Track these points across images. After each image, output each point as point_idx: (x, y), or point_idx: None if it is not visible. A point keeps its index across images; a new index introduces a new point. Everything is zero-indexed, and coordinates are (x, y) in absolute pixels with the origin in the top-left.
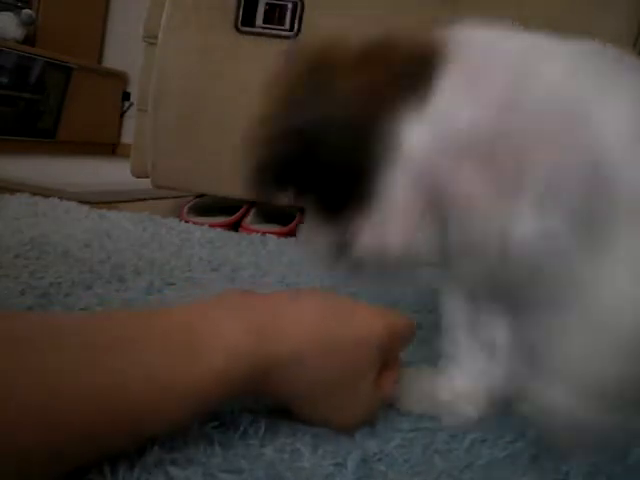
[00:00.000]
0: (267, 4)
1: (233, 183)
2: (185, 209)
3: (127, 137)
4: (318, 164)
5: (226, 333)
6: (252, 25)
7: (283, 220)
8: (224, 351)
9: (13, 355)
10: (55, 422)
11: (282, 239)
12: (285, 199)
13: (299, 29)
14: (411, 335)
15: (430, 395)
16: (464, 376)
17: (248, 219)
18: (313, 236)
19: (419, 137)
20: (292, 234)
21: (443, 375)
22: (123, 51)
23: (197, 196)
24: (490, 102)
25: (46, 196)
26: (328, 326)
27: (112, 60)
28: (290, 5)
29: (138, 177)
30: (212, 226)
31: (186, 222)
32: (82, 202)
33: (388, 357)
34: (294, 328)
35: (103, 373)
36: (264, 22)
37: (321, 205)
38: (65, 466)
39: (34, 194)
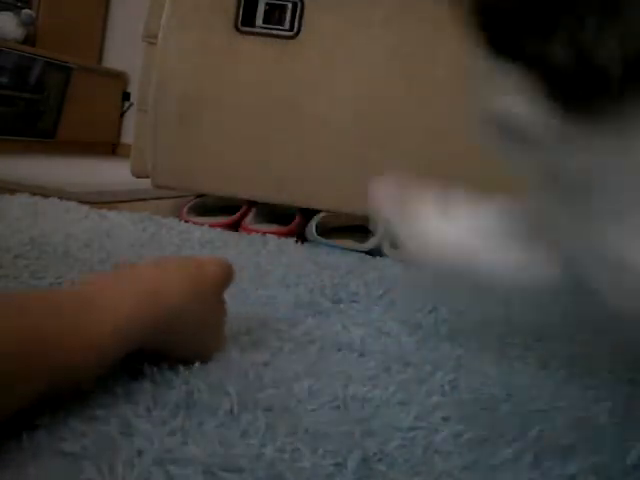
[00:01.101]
0: (267, 4)
1: (233, 183)
2: (185, 209)
3: (127, 137)
4: None
5: (118, 300)
6: (252, 25)
7: (283, 220)
8: (116, 313)
9: None
10: None
11: (282, 239)
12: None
13: (299, 29)
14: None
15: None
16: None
17: (248, 219)
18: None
19: None
20: (292, 234)
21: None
22: (123, 51)
23: (197, 196)
24: None
25: (46, 196)
26: (192, 282)
27: (112, 60)
28: (290, 5)
29: (138, 177)
30: (212, 226)
31: (186, 222)
32: (82, 202)
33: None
34: (171, 289)
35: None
36: (264, 22)
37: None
38: None
39: (34, 194)
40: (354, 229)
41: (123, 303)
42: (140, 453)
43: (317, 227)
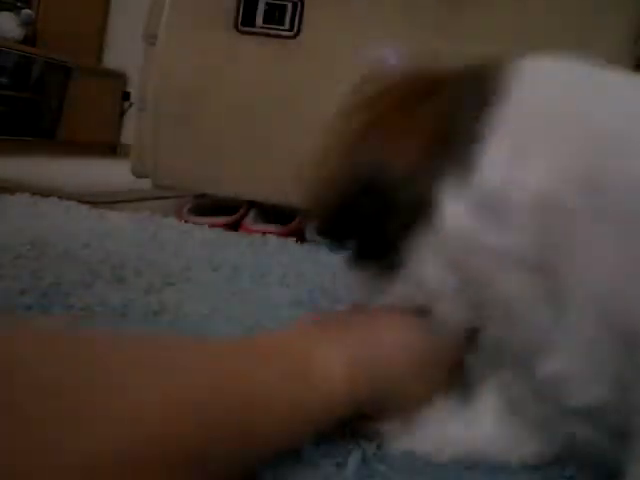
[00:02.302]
0: (267, 4)
1: (233, 183)
2: (185, 209)
3: (127, 137)
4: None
5: (329, 364)
6: (252, 25)
7: (283, 220)
8: (332, 382)
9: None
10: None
11: (282, 239)
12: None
13: (299, 29)
14: None
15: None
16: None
17: (248, 219)
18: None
19: (457, 210)
20: (292, 234)
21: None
22: (123, 51)
23: (197, 196)
24: (569, 175)
25: (46, 196)
26: (422, 351)
27: (112, 60)
28: (290, 5)
29: (138, 177)
30: (212, 226)
31: (186, 222)
32: (82, 202)
33: None
34: (392, 354)
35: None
36: (264, 22)
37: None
38: None
39: (34, 194)
40: None
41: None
42: None
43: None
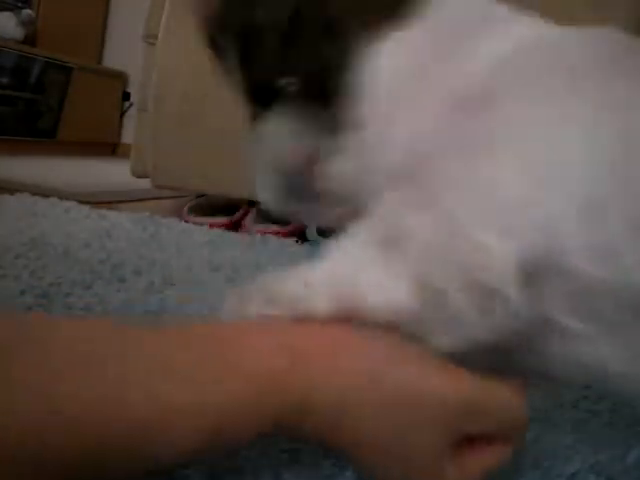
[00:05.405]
0: None
1: (233, 183)
2: (185, 209)
3: (127, 137)
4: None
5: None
6: None
7: (283, 220)
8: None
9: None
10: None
11: (282, 239)
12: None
13: None
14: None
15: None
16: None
17: (248, 219)
18: (273, 159)
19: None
20: (292, 234)
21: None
22: (123, 51)
23: (197, 196)
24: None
25: (46, 196)
26: (389, 372)
27: (112, 60)
28: None
29: (138, 177)
30: (212, 226)
31: (186, 222)
32: (82, 202)
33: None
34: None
35: (103, 385)
36: None
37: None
38: None
39: (34, 194)
40: None
41: None
42: None
43: (317, 227)
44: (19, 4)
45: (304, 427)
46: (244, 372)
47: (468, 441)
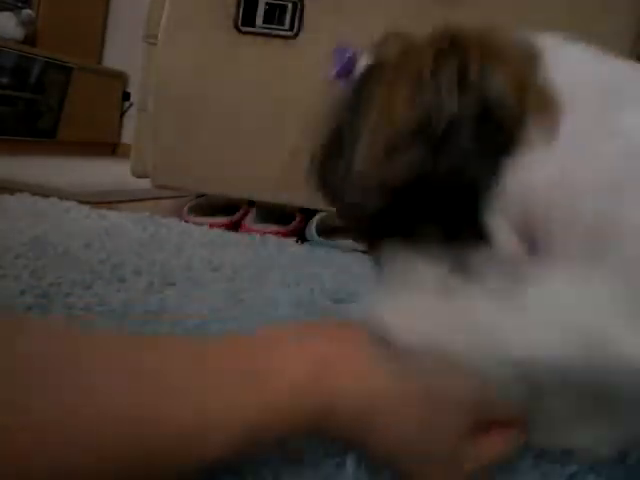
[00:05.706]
0: (267, 4)
1: (233, 183)
2: (185, 209)
3: (127, 137)
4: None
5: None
6: (252, 25)
7: (283, 220)
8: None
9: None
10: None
11: (282, 239)
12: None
13: (299, 29)
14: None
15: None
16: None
17: (248, 219)
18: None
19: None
20: (292, 234)
21: None
22: (123, 51)
23: (197, 196)
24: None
25: (46, 196)
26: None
27: (112, 60)
28: (290, 5)
29: (138, 177)
30: (212, 226)
31: (186, 222)
32: (82, 202)
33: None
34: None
35: (135, 399)
36: (264, 22)
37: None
38: None
39: (34, 194)
40: None
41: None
42: None
43: (317, 227)
44: (19, 4)
45: (333, 427)
46: (278, 378)
47: (484, 426)
